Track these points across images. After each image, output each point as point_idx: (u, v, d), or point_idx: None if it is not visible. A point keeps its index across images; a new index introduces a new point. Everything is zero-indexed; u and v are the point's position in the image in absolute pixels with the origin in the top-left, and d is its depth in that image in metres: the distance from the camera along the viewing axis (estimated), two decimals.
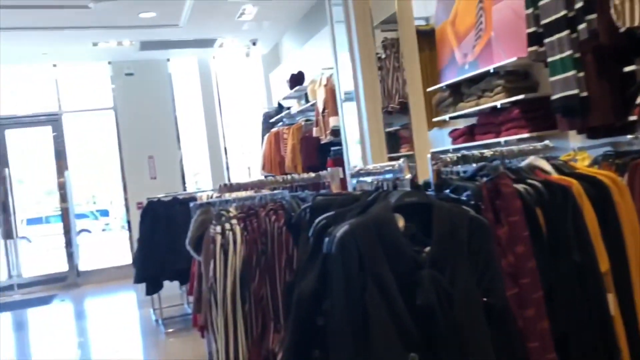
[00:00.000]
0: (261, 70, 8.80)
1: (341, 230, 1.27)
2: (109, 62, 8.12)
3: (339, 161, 4.91)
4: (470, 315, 1.19)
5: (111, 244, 12.12)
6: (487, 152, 1.56)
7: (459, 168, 1.56)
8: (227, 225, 1.89)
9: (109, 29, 6.58)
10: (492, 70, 3.48)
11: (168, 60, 8.41)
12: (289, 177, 2.41)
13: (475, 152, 1.58)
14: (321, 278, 1.35)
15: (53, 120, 7.93)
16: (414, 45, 3.36)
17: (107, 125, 8.47)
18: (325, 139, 5.38)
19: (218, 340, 1.72)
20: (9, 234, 7.59)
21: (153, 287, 4.76)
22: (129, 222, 8.09)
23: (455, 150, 2.19)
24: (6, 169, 7.67)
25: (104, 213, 18.45)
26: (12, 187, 7.78)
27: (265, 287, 1.80)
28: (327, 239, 1.32)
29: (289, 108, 7.01)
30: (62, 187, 7.95)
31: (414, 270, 1.19)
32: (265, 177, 6.94)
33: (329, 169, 2.35)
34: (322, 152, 5.62)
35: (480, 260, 1.26)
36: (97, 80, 8.47)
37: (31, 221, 14.32)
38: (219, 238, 1.84)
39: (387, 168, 1.43)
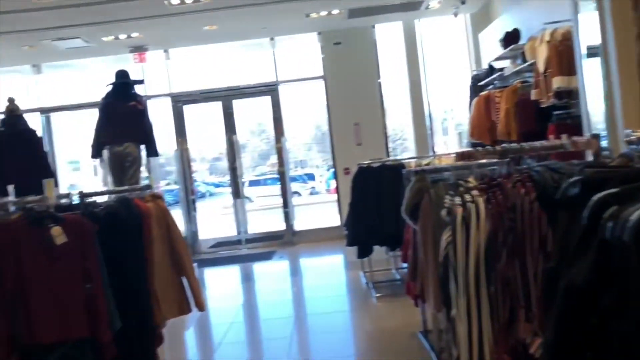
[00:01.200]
0: (469, 30, 8.29)
1: (637, 214, 1.02)
2: (319, 33, 8.44)
3: (565, 127, 4.36)
4: None
5: (318, 206, 12.90)
6: None
7: None
8: (468, 197, 1.72)
9: (321, 0, 6.80)
10: None
11: (373, 27, 8.42)
12: (524, 145, 2.14)
13: None
14: (598, 269, 1.12)
15: (271, 90, 8.58)
16: None
17: (318, 94, 8.88)
18: (546, 102, 4.82)
19: (459, 323, 1.59)
20: (237, 194, 8.56)
21: (364, 251, 4.88)
22: (337, 186, 8.48)
23: None
24: (234, 136, 8.59)
25: (311, 177, 19.78)
26: (239, 152, 8.70)
27: (513, 269, 1.61)
28: (610, 223, 1.08)
29: (501, 69, 6.47)
30: (279, 153, 8.63)
31: None
32: (473, 144, 6.57)
33: (550, 136, 2.03)
34: (542, 117, 5.06)
35: None
36: (309, 51, 8.90)
37: (252, 183, 16.03)
38: (459, 210, 1.68)
39: None
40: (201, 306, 3.07)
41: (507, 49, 6.01)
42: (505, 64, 6.44)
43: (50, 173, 5.99)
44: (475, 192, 1.74)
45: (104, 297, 2.54)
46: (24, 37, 6.74)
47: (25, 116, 6.39)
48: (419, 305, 3.53)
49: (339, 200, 8.38)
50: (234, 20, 7.13)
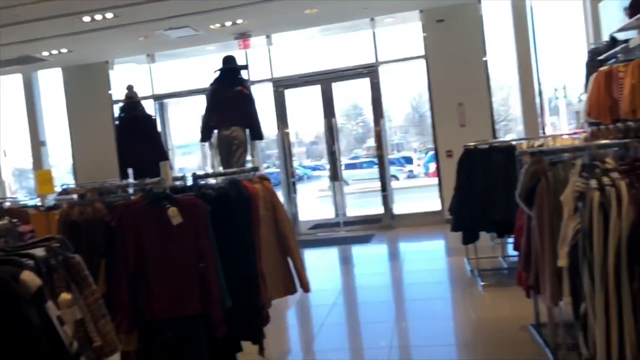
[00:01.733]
0: (587, 0, 7.59)
1: None
2: (421, 11, 8.16)
3: None
4: None
5: (416, 190, 12.64)
6: None
7: None
8: (606, 179, 1.53)
9: None
10: None
11: (479, 2, 7.99)
12: None
13: None
14: None
15: (371, 72, 8.47)
16: None
17: (417, 75, 8.63)
18: None
19: (594, 322, 1.43)
20: (335, 177, 8.60)
21: (469, 237, 4.67)
22: (438, 170, 8.22)
23: None
24: (333, 119, 8.60)
25: (408, 160, 19.43)
26: (338, 135, 8.71)
27: None
28: None
29: (626, 41, 5.84)
30: (378, 135, 8.52)
31: None
32: (590, 124, 6.04)
33: None
34: None
35: None
36: (409, 31, 8.65)
37: (348, 166, 16.05)
38: (596, 196, 1.50)
39: None
40: (306, 287, 3.09)
41: (634, 19, 5.41)
42: (630, 35, 5.81)
43: (165, 156, 6.42)
44: (615, 175, 1.54)
45: (216, 276, 2.63)
46: (139, 28, 7.17)
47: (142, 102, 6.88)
48: (531, 297, 3.31)
49: (440, 184, 8.12)
50: (335, 2, 7.08)
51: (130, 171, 6.32)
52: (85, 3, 6.03)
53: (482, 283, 4.69)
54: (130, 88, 6.43)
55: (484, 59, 8.00)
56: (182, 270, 2.63)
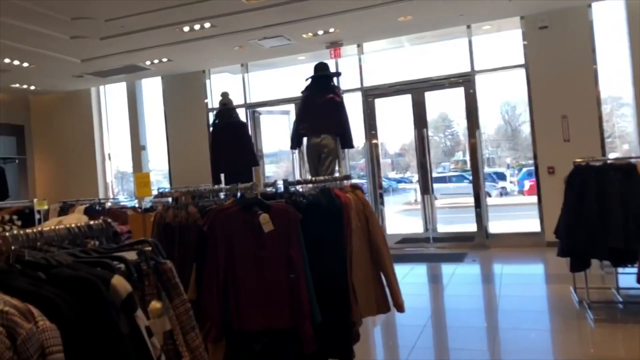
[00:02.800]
0: None
1: None
2: (522, 17, 7.70)
3: None
4: None
5: (510, 209, 11.95)
6: None
7: None
8: None
9: None
10: None
11: (589, 6, 7.39)
12: None
13: None
14: None
15: (466, 81, 8.09)
16: None
17: (516, 84, 8.13)
18: None
19: None
20: (425, 190, 8.27)
21: (580, 264, 4.20)
22: (538, 188, 7.65)
23: None
24: (424, 130, 8.30)
25: (501, 176, 18.50)
26: (430, 148, 8.38)
27: None
28: None
29: None
30: (472, 148, 8.09)
31: None
32: None
33: None
34: None
35: None
36: (508, 38, 8.20)
37: (435, 180, 15.53)
38: None
39: None
40: (400, 307, 2.87)
41: None
42: None
43: (256, 162, 6.46)
44: None
45: (306, 288, 2.49)
46: (235, 38, 7.33)
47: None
48: None
49: (539, 203, 7.55)
50: (430, 9, 6.85)
51: (222, 176, 6.43)
52: (186, 13, 6.23)
53: (594, 317, 4.18)
54: (225, 95, 6.55)
55: (595, 67, 7.37)
56: (272, 280, 2.52)
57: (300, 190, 3.28)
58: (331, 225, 2.80)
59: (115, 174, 11.09)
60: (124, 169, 11.45)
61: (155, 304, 1.32)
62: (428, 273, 6.89)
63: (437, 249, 7.82)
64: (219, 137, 6.46)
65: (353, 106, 8.49)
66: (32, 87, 9.57)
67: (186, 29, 6.73)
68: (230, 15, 6.38)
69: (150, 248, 1.38)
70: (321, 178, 3.20)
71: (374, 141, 8.56)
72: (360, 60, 8.60)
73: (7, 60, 7.51)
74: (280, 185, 3.19)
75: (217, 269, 2.53)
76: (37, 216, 7.25)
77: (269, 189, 3.37)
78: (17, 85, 9.24)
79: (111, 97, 10.43)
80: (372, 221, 2.95)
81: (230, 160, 6.14)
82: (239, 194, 2.93)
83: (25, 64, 7.77)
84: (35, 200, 7.13)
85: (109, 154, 10.38)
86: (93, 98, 10.23)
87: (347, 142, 5.80)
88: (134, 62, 8.25)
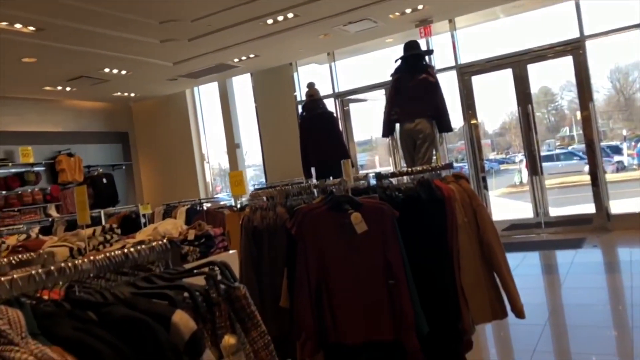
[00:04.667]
0: None
1: None
2: None
3: None
4: None
5: (630, 185, 10.69)
6: None
7: None
8: None
9: None
10: None
11: None
12: None
13: None
14: None
15: (575, 49, 7.26)
16: None
17: (629, 48, 7.17)
18: None
19: None
20: (534, 170, 7.56)
21: None
22: None
23: None
24: (529, 105, 7.59)
25: (615, 150, 16.76)
26: (536, 125, 7.65)
27: None
28: None
29: None
30: (586, 121, 7.25)
31: None
32: None
33: None
34: None
35: None
36: None
37: (544, 158, 14.38)
38: None
39: None
40: (520, 312, 2.48)
41: None
42: None
43: (346, 154, 6.20)
44: None
45: (408, 295, 2.19)
46: (319, 26, 7.11)
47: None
48: None
49: None
50: None
51: (313, 170, 6.25)
52: (268, 5, 6.10)
53: None
54: (311, 86, 6.35)
55: None
56: (369, 287, 2.25)
57: (396, 183, 2.98)
58: (433, 222, 2.48)
59: (218, 172, 11.40)
60: (225, 167, 11.74)
61: (228, 339, 1.11)
62: (542, 263, 6.25)
63: (550, 234, 7.11)
64: (306, 129, 6.27)
65: (448, 86, 7.96)
66: (132, 94, 10.03)
67: (270, 21, 6.61)
68: (312, 2, 6.16)
69: (218, 271, 1.16)
70: (418, 168, 2.87)
71: (473, 121, 7.97)
72: (453, 36, 8.04)
73: (106, 70, 7.88)
74: (373, 177, 2.91)
75: (309, 275, 2.31)
76: (142, 220, 7.59)
77: (361, 183, 3.11)
78: (119, 93, 9.73)
79: (205, 98, 10.70)
80: (481, 215, 2.57)
81: (319, 152, 5.93)
82: (328, 191, 2.69)
83: (123, 72, 8.11)
84: (139, 205, 7.47)
85: (204, 155, 10.67)
86: (188, 100, 10.54)
87: (445, 126, 5.31)
88: (222, 61, 8.33)
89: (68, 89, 8.72)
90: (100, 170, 10.01)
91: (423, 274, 2.33)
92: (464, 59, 8.02)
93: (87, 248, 3.63)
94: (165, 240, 1.21)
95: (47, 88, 8.55)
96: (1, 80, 7.67)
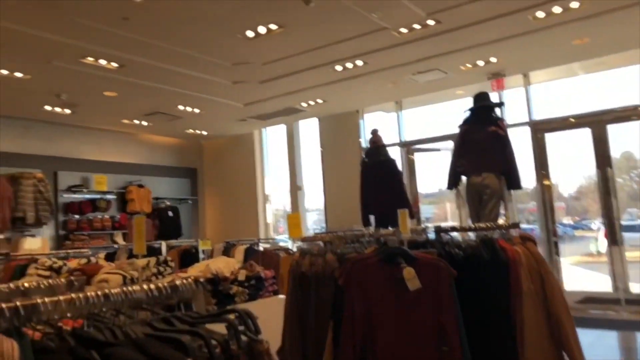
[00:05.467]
0: None
1: None
2: None
3: None
4: None
5: None
6: None
7: None
8: None
9: None
10: None
11: None
12: None
13: None
14: None
15: None
16: None
17: None
18: None
19: None
20: (613, 240, 6.97)
21: None
22: None
23: None
24: (608, 169, 7.11)
25: None
26: (617, 191, 7.12)
27: None
28: None
29: None
30: None
31: None
32: None
33: None
34: None
35: None
36: None
37: (625, 228, 13.37)
38: None
39: None
40: None
41: None
42: None
43: (407, 203, 5.98)
44: None
45: None
46: (387, 75, 7.09)
47: (388, 149, 6.68)
48: None
49: None
50: (610, 27, 5.88)
51: (372, 219, 6.08)
52: (338, 52, 6.15)
53: None
54: (374, 132, 6.27)
55: None
56: (419, 351, 2.05)
57: (458, 238, 2.77)
58: (495, 286, 2.26)
59: (283, 214, 11.43)
60: (287, 208, 11.77)
61: None
62: (620, 345, 5.63)
63: (631, 314, 6.42)
64: (368, 176, 6.15)
65: (520, 142, 7.64)
66: (204, 132, 10.37)
67: (338, 68, 6.67)
68: (381, 50, 6.16)
69: (240, 319, 1.04)
70: (482, 225, 2.65)
71: (546, 182, 7.55)
72: (527, 91, 7.76)
73: (180, 107, 8.20)
74: (432, 230, 2.72)
75: (354, 331, 2.13)
76: (201, 255, 7.66)
77: (417, 236, 2.92)
78: (191, 130, 10.09)
79: (271, 139, 10.88)
80: (550, 283, 2.32)
81: (379, 200, 5.77)
82: (381, 241, 2.53)
83: (196, 110, 8.41)
84: (199, 240, 7.56)
85: (268, 195, 10.76)
86: (256, 140, 10.76)
87: (514, 182, 5.02)
88: (291, 105, 8.46)
89: (144, 123, 9.14)
90: (168, 203, 10.30)
91: (481, 343, 2.10)
92: (537, 115, 7.70)
93: (140, 278, 3.63)
94: (190, 280, 1.11)
95: (125, 121, 9.00)
96: (85, 111, 8.16)
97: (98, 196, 9.28)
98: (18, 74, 6.28)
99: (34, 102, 7.54)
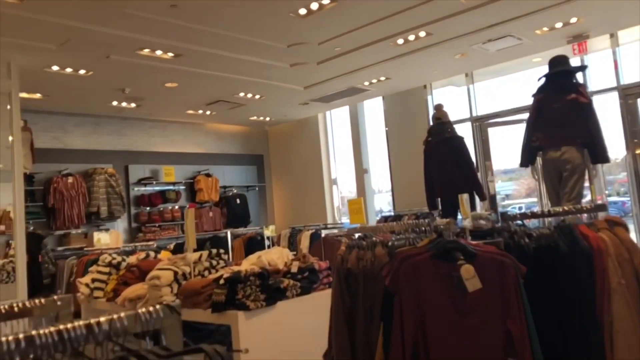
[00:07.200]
0: None
1: None
2: None
3: None
4: None
5: None
6: None
7: None
8: None
9: None
10: None
11: None
12: None
13: None
14: None
15: None
16: None
17: None
18: None
19: None
20: None
21: None
22: None
23: None
24: None
25: None
26: None
27: None
28: None
29: None
30: None
31: None
32: None
33: None
34: None
35: None
36: None
37: None
38: None
39: None
40: None
41: None
42: None
43: (476, 183, 5.50)
44: None
45: None
46: (455, 45, 6.58)
47: (459, 126, 6.19)
48: None
49: None
50: None
51: (438, 201, 5.67)
52: (397, 24, 5.75)
53: None
54: (438, 107, 5.81)
55: None
56: None
57: (529, 225, 2.39)
58: (575, 282, 1.89)
59: (350, 197, 11.20)
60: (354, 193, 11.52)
61: None
62: None
63: None
64: (431, 156, 5.71)
65: (607, 110, 6.88)
66: (268, 118, 10.29)
67: (400, 41, 6.25)
68: (446, 18, 5.68)
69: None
70: (558, 209, 2.26)
71: (637, 151, 6.75)
72: (615, 53, 6.94)
73: (241, 94, 8.12)
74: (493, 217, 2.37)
75: (404, 336, 1.86)
76: (266, 242, 7.59)
77: (482, 222, 2.56)
78: (255, 117, 10.04)
79: (336, 122, 10.62)
80: None
81: (445, 182, 5.34)
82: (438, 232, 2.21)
83: (257, 96, 8.30)
84: (264, 227, 7.50)
85: (335, 178, 10.54)
86: (320, 124, 10.54)
87: (600, 155, 4.40)
88: (353, 84, 8.14)
89: (208, 112, 9.18)
90: (235, 191, 10.36)
91: (557, 353, 1.75)
92: (628, 79, 6.88)
93: (192, 273, 3.53)
94: (158, 307, 0.88)
95: (190, 112, 9.08)
96: (150, 104, 8.29)
97: (167, 187, 9.48)
98: (81, 71, 6.42)
99: (101, 98, 7.73)
